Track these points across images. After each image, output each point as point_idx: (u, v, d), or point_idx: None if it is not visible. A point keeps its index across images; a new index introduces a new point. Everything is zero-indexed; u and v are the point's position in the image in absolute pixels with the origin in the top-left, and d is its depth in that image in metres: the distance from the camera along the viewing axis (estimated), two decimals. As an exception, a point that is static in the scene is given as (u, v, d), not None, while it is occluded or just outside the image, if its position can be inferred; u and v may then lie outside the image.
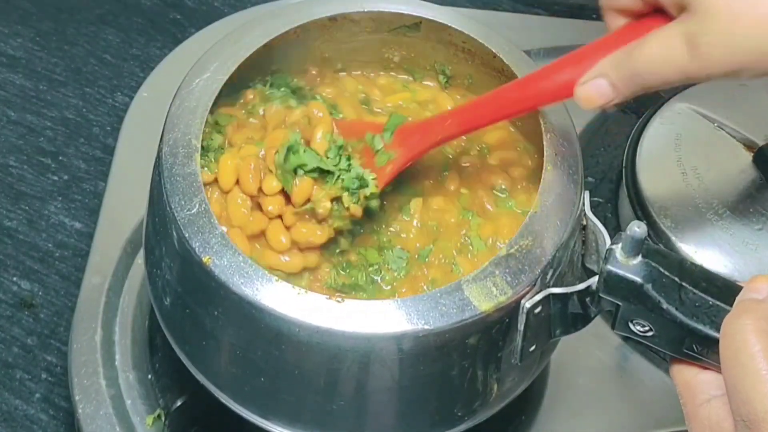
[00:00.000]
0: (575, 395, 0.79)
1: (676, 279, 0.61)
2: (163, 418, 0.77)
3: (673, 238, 0.82)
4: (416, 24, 0.73)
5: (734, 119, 0.87)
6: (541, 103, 0.67)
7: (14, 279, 0.88)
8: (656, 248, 0.62)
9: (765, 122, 0.86)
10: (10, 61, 1.00)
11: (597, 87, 0.63)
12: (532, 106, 0.67)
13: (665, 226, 0.82)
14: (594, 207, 0.87)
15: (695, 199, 0.83)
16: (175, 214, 0.64)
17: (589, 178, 0.88)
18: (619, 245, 0.61)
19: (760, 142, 0.85)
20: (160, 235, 0.66)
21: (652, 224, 0.82)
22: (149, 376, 0.79)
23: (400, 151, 0.69)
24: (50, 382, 0.83)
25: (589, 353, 0.80)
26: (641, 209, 0.83)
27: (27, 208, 0.92)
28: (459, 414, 0.67)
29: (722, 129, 0.86)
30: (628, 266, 0.61)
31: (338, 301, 0.61)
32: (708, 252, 0.81)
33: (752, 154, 0.85)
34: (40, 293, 0.87)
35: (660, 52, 0.61)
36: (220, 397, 0.68)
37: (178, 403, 0.76)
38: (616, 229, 0.86)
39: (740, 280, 0.80)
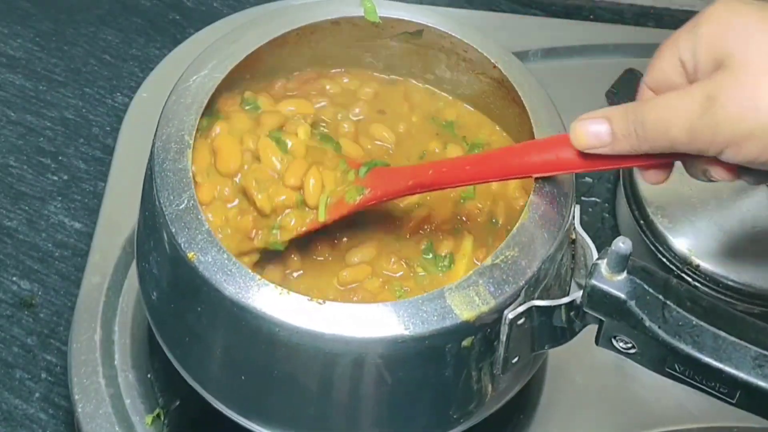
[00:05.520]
0: (573, 394, 0.80)
1: (661, 297, 0.61)
2: (162, 418, 0.77)
3: (670, 238, 0.82)
4: (419, 31, 0.74)
5: (731, 119, 0.87)
6: (531, 173, 0.65)
7: (14, 279, 0.88)
8: (642, 265, 0.62)
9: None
10: (10, 61, 1.00)
11: (595, 128, 0.61)
12: (520, 175, 0.65)
13: (662, 225, 0.82)
14: (591, 207, 0.87)
15: (692, 199, 0.83)
16: (164, 209, 0.64)
17: (587, 178, 0.89)
18: (605, 260, 0.61)
19: (757, 142, 0.85)
20: (150, 230, 0.67)
21: (649, 224, 0.83)
22: (148, 376, 0.79)
23: (370, 189, 0.68)
24: (50, 382, 0.84)
25: (586, 352, 0.80)
26: (638, 209, 0.84)
27: (27, 208, 0.92)
28: (442, 419, 0.67)
29: (719, 129, 0.87)
30: (612, 282, 0.61)
31: (319, 303, 0.61)
32: (704, 252, 0.81)
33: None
34: (40, 293, 0.87)
35: (673, 102, 0.58)
36: (201, 392, 0.68)
37: (177, 403, 0.76)
38: (613, 228, 0.86)
39: (737, 280, 0.81)
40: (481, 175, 0.66)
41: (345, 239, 0.70)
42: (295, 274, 0.69)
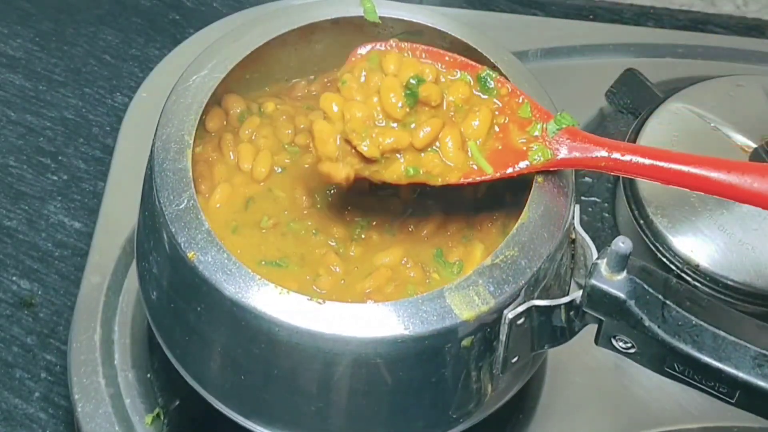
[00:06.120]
0: (572, 394, 0.80)
1: (660, 297, 0.61)
2: (162, 417, 0.77)
3: (670, 238, 0.82)
4: (419, 31, 0.74)
5: (730, 120, 0.87)
6: (727, 196, 0.62)
7: (14, 278, 0.88)
8: (642, 265, 0.62)
9: (761, 123, 0.87)
10: (9, 61, 1.00)
11: None
12: (731, 196, 0.62)
13: (662, 225, 0.82)
14: (591, 206, 0.87)
15: (692, 199, 0.83)
16: (164, 209, 0.64)
17: (587, 178, 0.89)
18: (605, 260, 0.61)
19: (756, 143, 0.85)
20: (149, 229, 0.67)
21: (648, 224, 0.83)
22: (148, 375, 0.79)
23: (556, 151, 0.64)
24: (50, 381, 0.84)
25: (586, 352, 0.81)
26: (638, 209, 0.84)
27: (27, 207, 0.92)
28: (441, 419, 0.67)
29: (719, 129, 0.87)
30: (611, 281, 0.61)
31: (319, 303, 0.61)
32: (704, 251, 0.81)
33: (748, 154, 0.85)
34: (40, 293, 0.88)
35: None
36: (201, 392, 0.68)
37: (177, 402, 0.76)
38: (613, 228, 0.86)
39: (737, 279, 0.81)
40: (676, 181, 0.63)
41: (375, 237, 0.70)
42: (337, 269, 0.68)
